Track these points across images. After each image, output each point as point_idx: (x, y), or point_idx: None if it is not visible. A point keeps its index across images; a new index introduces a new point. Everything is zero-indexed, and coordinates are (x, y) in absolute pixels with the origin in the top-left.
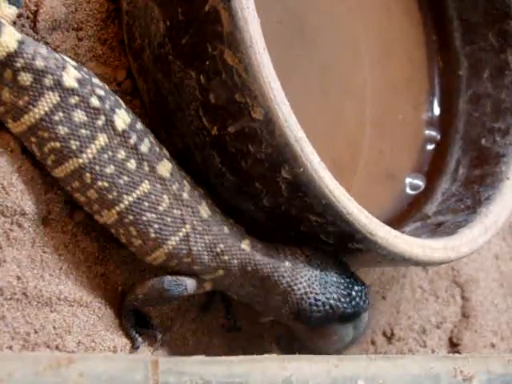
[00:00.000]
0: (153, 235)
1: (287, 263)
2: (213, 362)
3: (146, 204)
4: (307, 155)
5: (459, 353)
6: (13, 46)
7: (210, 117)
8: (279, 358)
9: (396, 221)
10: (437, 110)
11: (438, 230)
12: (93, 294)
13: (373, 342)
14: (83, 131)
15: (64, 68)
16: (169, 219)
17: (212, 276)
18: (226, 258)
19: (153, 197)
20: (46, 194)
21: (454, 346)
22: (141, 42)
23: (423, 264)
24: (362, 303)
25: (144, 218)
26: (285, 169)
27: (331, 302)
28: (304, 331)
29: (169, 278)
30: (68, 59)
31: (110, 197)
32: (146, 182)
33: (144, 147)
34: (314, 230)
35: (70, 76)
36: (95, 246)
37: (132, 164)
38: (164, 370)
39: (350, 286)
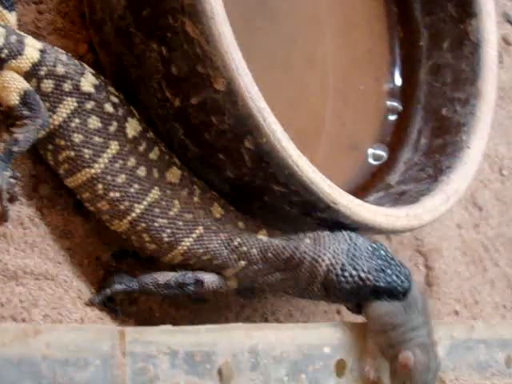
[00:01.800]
0: (166, 239)
1: (307, 240)
2: (179, 331)
3: (157, 210)
4: (270, 125)
5: None
6: (36, 56)
7: (172, 89)
8: (245, 326)
9: (359, 191)
10: (398, 81)
11: (400, 198)
12: (59, 268)
13: (338, 312)
14: (97, 139)
15: (83, 74)
16: (181, 223)
17: (235, 270)
18: (245, 248)
19: (163, 203)
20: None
21: None
22: (102, 15)
23: (386, 232)
24: (398, 281)
25: (156, 225)
26: (248, 139)
27: (360, 273)
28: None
29: (190, 274)
30: (86, 66)
31: (122, 207)
32: (157, 188)
33: (153, 155)
34: (277, 200)
35: (88, 81)
36: (60, 220)
37: (142, 171)
38: (131, 339)
39: (385, 263)
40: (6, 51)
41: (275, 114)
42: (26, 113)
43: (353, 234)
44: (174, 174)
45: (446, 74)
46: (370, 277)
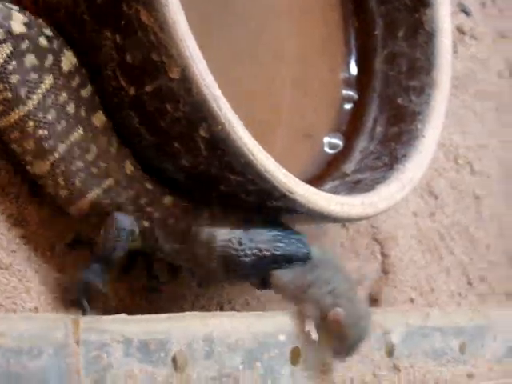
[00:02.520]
0: (78, 184)
1: (206, 214)
2: (134, 320)
3: (77, 152)
4: (225, 113)
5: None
6: None
7: (127, 77)
8: (200, 314)
9: (315, 180)
10: (354, 70)
11: (356, 187)
12: (12, 256)
13: None
14: (32, 75)
15: (10, 17)
16: (95, 170)
17: (139, 229)
18: (149, 209)
19: (83, 144)
20: None
21: (374, 301)
22: (56, 2)
23: (342, 220)
24: (295, 247)
25: (73, 168)
26: (203, 127)
27: (259, 245)
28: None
29: (116, 214)
30: (10, 4)
31: (46, 146)
32: (81, 128)
33: (85, 92)
34: (233, 189)
35: (18, 22)
36: (14, 208)
37: (71, 108)
38: (85, 328)
39: (280, 233)
40: None
41: (234, 104)
42: None
43: (247, 213)
44: (99, 119)
45: (401, 63)
46: (269, 247)
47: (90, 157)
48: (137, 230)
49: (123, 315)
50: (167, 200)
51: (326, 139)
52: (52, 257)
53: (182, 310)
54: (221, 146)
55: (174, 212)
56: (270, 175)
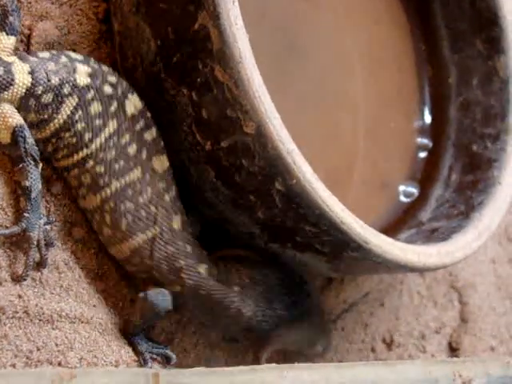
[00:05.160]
0: (123, 227)
1: (236, 288)
2: (212, 373)
3: (130, 192)
4: (299, 167)
5: (459, 357)
6: (28, 80)
7: (203, 132)
8: (278, 367)
9: (391, 228)
10: (428, 118)
11: (432, 236)
12: (94, 310)
13: (373, 350)
14: (97, 121)
15: (75, 70)
16: (143, 213)
17: (171, 289)
18: (183, 275)
19: (138, 185)
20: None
21: (453, 350)
22: (133, 61)
23: (418, 270)
24: (308, 302)
25: (122, 208)
26: (278, 181)
27: (279, 312)
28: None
29: (150, 292)
30: (74, 55)
31: (101, 181)
32: (139, 168)
33: (148, 135)
34: (309, 240)
35: (82, 74)
36: (94, 263)
37: (132, 149)
38: (165, 382)
39: (295, 291)
40: None
41: (306, 154)
42: (17, 152)
43: (266, 268)
44: (161, 163)
45: (475, 111)
46: (287, 312)
47: (142, 199)
48: (170, 305)
49: (202, 368)
50: (202, 269)
51: (401, 187)
52: (131, 310)
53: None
54: (296, 199)
55: (206, 283)
56: (346, 226)
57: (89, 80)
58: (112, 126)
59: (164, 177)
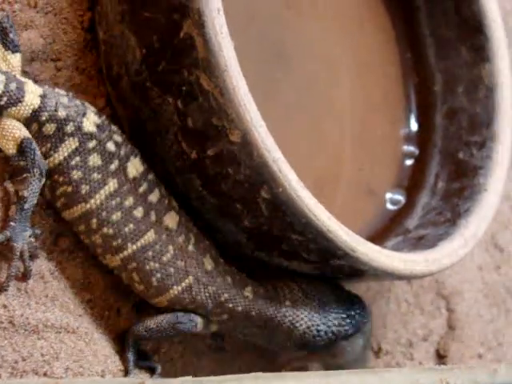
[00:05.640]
0: (155, 283)
1: (287, 302)
2: (199, 382)
3: (150, 253)
4: (285, 175)
5: (446, 364)
6: (37, 102)
7: (188, 141)
8: (265, 375)
9: (378, 236)
10: (414, 126)
11: (419, 243)
12: (79, 320)
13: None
14: (95, 175)
15: (84, 114)
16: (172, 270)
17: (217, 318)
18: (230, 305)
19: (157, 247)
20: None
21: (441, 357)
22: (118, 70)
23: (405, 278)
24: (361, 319)
25: (147, 267)
26: (264, 189)
27: (333, 328)
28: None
29: (182, 313)
30: (89, 105)
31: (115, 244)
32: (152, 231)
33: (153, 197)
34: (295, 248)
35: (90, 121)
36: (80, 273)
37: (139, 212)
38: None
39: (348, 307)
40: (5, 99)
41: (293, 162)
42: (22, 163)
43: (318, 284)
44: (171, 219)
45: (461, 118)
46: (341, 329)
47: (165, 258)
48: (199, 327)
49: (189, 377)
50: (248, 291)
51: (388, 195)
52: (118, 320)
53: (247, 369)
54: (282, 207)
55: (255, 304)
56: (333, 234)
57: (95, 129)
58: (113, 185)
59: (180, 230)
